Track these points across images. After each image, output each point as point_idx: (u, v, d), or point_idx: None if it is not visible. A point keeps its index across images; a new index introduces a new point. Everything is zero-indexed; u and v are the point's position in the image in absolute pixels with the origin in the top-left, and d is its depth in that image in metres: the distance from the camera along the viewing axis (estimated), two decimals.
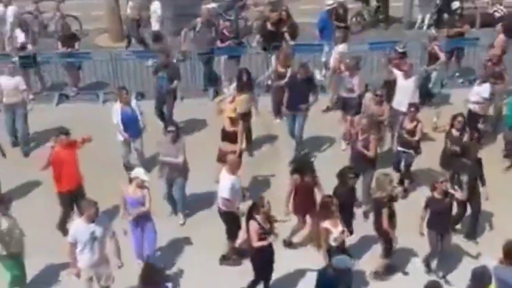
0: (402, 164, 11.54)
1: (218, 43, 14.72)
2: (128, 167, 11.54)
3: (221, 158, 10.91)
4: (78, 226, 8.84)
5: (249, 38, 16.17)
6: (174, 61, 14.08)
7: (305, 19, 16.35)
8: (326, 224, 8.97)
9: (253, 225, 8.91)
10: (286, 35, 14.72)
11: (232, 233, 10.01)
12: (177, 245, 10.52)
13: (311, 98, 12.35)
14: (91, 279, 9.03)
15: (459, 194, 9.98)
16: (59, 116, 13.77)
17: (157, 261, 9.38)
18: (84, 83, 14.97)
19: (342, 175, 9.77)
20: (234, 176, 9.81)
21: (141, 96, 14.72)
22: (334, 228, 8.97)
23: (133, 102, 11.87)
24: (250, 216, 9.00)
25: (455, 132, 11.13)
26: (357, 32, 16.99)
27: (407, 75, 12.32)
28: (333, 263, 8.56)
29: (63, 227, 10.44)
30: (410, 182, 11.59)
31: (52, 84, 15.07)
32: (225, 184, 9.69)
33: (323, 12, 15.45)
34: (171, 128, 10.73)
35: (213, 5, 16.90)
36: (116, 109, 11.61)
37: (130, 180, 9.66)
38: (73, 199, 10.35)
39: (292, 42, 14.67)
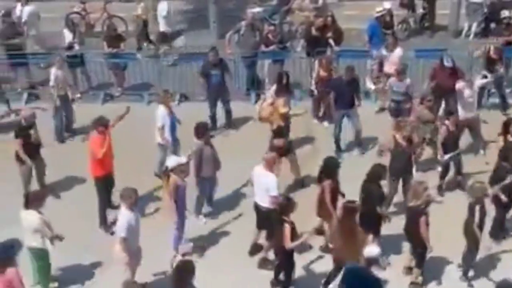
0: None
1: (262, 47, 14.76)
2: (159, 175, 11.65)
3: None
4: (126, 216, 8.93)
5: (294, 42, 16.19)
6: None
7: (350, 24, 16.29)
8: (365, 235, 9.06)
9: (287, 226, 8.93)
10: (331, 41, 14.68)
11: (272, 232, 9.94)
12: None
13: (356, 101, 12.53)
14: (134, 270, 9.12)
15: (503, 197, 9.99)
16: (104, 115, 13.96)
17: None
18: (129, 84, 15.14)
19: (377, 175, 9.72)
20: (273, 172, 9.86)
21: (184, 97, 14.86)
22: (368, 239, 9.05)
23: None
24: (280, 217, 9.00)
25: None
26: (402, 39, 16.85)
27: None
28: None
29: (104, 217, 10.74)
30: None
31: (98, 84, 15.28)
32: (270, 181, 9.70)
33: (372, 19, 15.36)
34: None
35: (258, 9, 16.96)
36: (162, 112, 11.59)
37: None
38: (107, 185, 10.70)
39: (336, 48, 14.64)
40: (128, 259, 8.97)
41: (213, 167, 10.84)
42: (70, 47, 14.84)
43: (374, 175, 9.73)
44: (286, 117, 11.82)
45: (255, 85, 14.94)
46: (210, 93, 13.49)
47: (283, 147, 11.26)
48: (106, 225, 10.75)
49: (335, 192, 9.95)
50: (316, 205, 10.01)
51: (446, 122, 11.32)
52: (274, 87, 12.61)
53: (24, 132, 11.18)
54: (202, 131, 10.81)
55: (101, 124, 10.66)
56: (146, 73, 15.11)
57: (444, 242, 9.72)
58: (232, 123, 13.75)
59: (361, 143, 12.85)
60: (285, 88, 12.50)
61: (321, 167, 10.02)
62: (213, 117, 13.48)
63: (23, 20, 15.88)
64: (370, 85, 14.73)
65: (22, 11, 16.02)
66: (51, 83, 13.15)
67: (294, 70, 14.29)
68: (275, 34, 14.93)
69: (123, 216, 8.97)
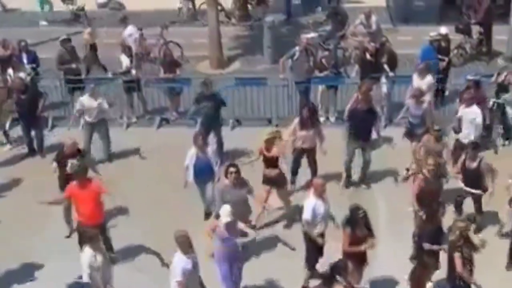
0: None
1: (316, 73, 14.78)
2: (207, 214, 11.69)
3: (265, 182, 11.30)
4: (182, 260, 8.83)
5: (348, 68, 16.16)
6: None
7: (404, 50, 16.16)
8: None
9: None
10: (385, 66, 14.60)
11: (309, 259, 9.95)
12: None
13: (373, 131, 12.31)
14: None
15: None
16: (159, 139, 14.22)
17: None
18: (184, 108, 15.33)
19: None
20: (318, 199, 9.77)
21: (237, 122, 14.97)
22: None
23: (209, 148, 11.90)
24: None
25: None
26: (459, 65, 16.64)
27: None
28: None
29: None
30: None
31: (153, 108, 15.53)
32: (307, 205, 9.77)
33: (427, 44, 15.21)
34: (232, 169, 10.36)
35: (312, 35, 17.00)
36: (191, 154, 11.46)
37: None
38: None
39: (391, 74, 14.55)
40: None
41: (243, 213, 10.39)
42: (127, 72, 15.14)
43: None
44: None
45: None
46: (203, 123, 13.32)
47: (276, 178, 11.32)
48: None
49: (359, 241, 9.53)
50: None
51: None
52: (297, 119, 12.18)
53: (63, 161, 11.19)
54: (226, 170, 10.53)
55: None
56: None
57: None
58: (224, 155, 13.35)
59: (365, 177, 12.66)
60: (309, 121, 12.05)
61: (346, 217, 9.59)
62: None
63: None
64: None
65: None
66: (75, 109, 13.43)
67: (348, 96, 14.23)
68: (329, 60, 14.93)
69: (178, 260, 8.88)
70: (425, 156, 10.94)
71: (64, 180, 11.10)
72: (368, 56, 14.79)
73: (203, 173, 11.50)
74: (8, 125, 14.71)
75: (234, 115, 14.98)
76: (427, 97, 12.92)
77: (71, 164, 10.71)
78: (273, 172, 11.35)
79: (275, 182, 11.44)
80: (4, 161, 13.87)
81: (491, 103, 13.46)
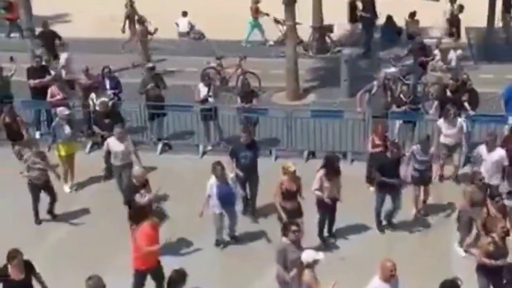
0: None
1: (394, 108, 14.61)
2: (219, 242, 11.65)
3: None
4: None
5: (427, 104, 15.90)
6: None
7: (485, 88, 15.81)
8: None
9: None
10: (466, 104, 14.29)
11: None
12: None
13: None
14: None
15: None
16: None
17: None
18: (259, 138, 15.39)
19: None
20: (385, 284, 8.90)
21: (312, 154, 14.90)
22: None
23: (230, 177, 11.79)
24: None
25: None
26: None
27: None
28: None
29: None
30: None
31: (229, 137, 15.66)
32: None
33: (510, 83, 14.83)
34: (295, 227, 9.69)
35: (393, 69, 16.86)
36: (211, 184, 11.40)
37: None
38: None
39: (472, 112, 14.22)
40: None
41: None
42: (204, 100, 15.35)
43: None
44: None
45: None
46: (240, 175, 12.50)
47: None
48: None
49: None
50: None
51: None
52: (322, 171, 11.65)
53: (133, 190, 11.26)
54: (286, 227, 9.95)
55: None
56: (275, 129, 15.31)
57: None
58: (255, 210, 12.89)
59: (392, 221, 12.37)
60: (334, 172, 11.66)
61: None
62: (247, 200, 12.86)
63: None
64: None
65: None
66: (104, 152, 13.23)
67: (426, 132, 13.96)
68: (408, 95, 14.74)
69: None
70: (492, 219, 10.50)
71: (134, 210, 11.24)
72: (448, 92, 14.51)
73: (225, 202, 11.47)
74: (88, 148, 15.17)
75: (308, 147, 14.92)
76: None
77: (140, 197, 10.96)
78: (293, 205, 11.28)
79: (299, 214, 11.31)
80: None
81: None
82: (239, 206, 12.31)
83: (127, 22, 20.94)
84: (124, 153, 12.93)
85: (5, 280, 9.20)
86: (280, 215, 11.29)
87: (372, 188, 13.00)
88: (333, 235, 12.18)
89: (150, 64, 15.93)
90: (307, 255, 9.12)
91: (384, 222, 12.40)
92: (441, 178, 13.70)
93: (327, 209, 11.80)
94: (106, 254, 11.53)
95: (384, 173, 11.87)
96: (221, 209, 11.58)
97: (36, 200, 12.63)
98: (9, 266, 9.18)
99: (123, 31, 20.93)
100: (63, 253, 11.93)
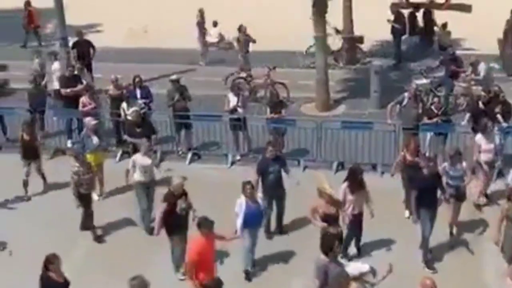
0: None
1: (425, 119, 14.46)
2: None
3: None
4: None
5: (459, 116, 15.70)
6: None
7: None
8: None
9: None
10: (499, 116, 14.09)
11: None
12: None
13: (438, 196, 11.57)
14: None
15: None
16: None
17: None
18: (288, 149, 15.34)
19: None
20: None
21: (341, 166, 14.80)
22: None
23: (259, 196, 11.60)
24: None
25: None
26: None
27: None
28: None
29: None
30: None
31: (257, 147, 15.62)
32: None
33: None
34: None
35: (424, 81, 16.71)
36: (240, 202, 11.19)
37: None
38: None
39: (505, 124, 14.03)
40: None
41: None
42: (234, 110, 15.37)
43: None
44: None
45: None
46: (267, 191, 12.16)
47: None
48: None
49: None
50: None
51: None
52: (345, 184, 11.40)
53: (172, 200, 11.11)
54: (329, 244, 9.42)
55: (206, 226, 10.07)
56: (304, 140, 15.26)
57: None
58: (283, 227, 12.70)
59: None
60: (358, 184, 11.35)
61: None
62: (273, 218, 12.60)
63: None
64: None
65: None
66: (130, 167, 12.63)
67: (458, 144, 13.79)
68: (439, 106, 14.58)
69: None
70: None
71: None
72: (481, 104, 14.33)
73: (253, 221, 11.21)
74: (118, 157, 15.27)
75: (338, 158, 14.84)
76: None
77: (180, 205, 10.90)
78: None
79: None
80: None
81: None
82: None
83: (197, 31, 20.82)
84: (151, 168, 12.79)
85: (49, 285, 9.33)
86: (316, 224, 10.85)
87: (407, 213, 12.60)
88: (359, 252, 11.85)
89: (174, 76, 15.99)
90: (354, 268, 9.01)
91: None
92: (485, 196, 13.21)
93: (353, 224, 11.50)
94: (136, 264, 11.48)
95: (424, 192, 11.29)
96: (246, 229, 11.20)
97: (89, 208, 12.57)
98: (48, 272, 9.31)
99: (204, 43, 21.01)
100: (92, 262, 11.98)
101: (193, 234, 10.47)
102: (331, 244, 8.92)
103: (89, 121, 14.03)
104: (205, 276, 9.83)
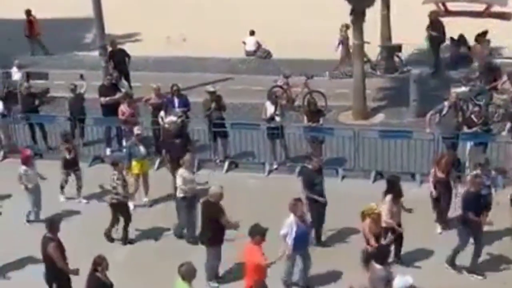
0: None
1: (465, 129, 14.26)
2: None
3: None
4: None
5: (499, 125, 15.46)
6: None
7: None
8: None
9: None
10: None
11: None
12: None
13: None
14: None
15: None
16: (295, 187, 14.14)
17: None
18: (325, 158, 15.29)
19: None
20: None
21: (380, 175, 14.67)
22: None
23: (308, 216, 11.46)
24: None
25: None
26: None
27: None
28: None
29: None
30: None
31: (295, 156, 15.59)
32: None
33: None
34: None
35: (463, 89, 16.50)
36: (291, 222, 10.80)
37: None
38: None
39: None
40: None
41: None
42: (271, 118, 15.36)
43: None
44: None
45: (454, 167, 14.36)
46: (322, 201, 12.11)
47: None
48: None
49: None
50: None
51: None
52: (390, 196, 11.33)
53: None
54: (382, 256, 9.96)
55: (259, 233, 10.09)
56: (342, 148, 15.18)
57: None
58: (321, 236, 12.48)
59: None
60: (400, 194, 11.37)
61: None
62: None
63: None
64: None
65: None
66: (179, 183, 12.46)
67: (498, 155, 13.58)
68: (479, 116, 14.38)
69: None
70: None
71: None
72: None
73: (304, 243, 11.00)
74: (157, 165, 15.38)
75: (376, 167, 14.73)
76: None
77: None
78: None
79: None
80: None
81: None
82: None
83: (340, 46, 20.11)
84: (195, 181, 12.76)
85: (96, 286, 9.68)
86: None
87: (439, 230, 12.52)
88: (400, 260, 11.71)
89: (212, 88, 16.11)
90: (400, 281, 9.14)
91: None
92: None
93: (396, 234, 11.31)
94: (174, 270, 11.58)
95: (472, 209, 11.10)
96: (296, 251, 10.94)
97: (123, 217, 12.75)
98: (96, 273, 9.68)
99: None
100: (130, 269, 12.05)
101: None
102: (387, 255, 9.65)
103: (137, 130, 14.18)
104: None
